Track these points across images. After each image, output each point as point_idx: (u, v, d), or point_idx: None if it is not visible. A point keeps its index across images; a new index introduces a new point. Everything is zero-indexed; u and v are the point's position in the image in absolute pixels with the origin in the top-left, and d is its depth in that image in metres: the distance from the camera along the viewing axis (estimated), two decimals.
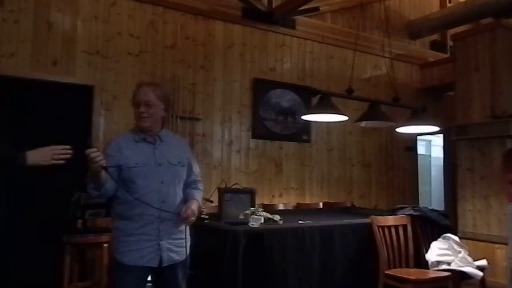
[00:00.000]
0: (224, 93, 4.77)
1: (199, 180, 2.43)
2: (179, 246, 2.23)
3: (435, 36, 6.67)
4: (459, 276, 3.37)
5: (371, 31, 5.94)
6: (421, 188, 6.33)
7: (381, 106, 4.21)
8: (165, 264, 2.16)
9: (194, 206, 2.24)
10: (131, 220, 2.12)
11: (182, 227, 2.26)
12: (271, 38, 5.14)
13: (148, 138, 2.24)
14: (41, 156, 1.92)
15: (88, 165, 1.96)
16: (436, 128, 4.22)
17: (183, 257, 2.26)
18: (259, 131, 4.95)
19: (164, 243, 2.15)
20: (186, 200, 2.28)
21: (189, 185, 2.36)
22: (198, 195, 2.36)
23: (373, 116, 4.16)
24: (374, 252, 3.38)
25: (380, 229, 3.47)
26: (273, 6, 5.04)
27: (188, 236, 2.29)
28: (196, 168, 2.43)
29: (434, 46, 6.65)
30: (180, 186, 2.28)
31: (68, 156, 1.95)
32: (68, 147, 1.95)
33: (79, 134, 4.00)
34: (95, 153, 1.95)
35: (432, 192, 6.92)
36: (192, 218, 2.21)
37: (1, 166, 1.96)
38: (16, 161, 1.90)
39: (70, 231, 3.48)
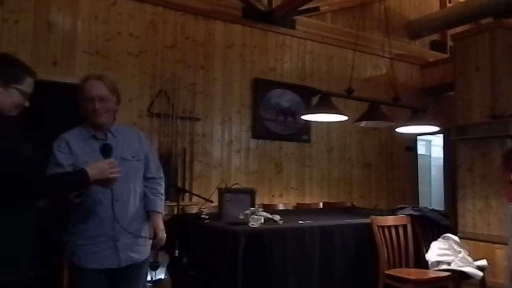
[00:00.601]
0: (224, 93, 4.77)
1: (160, 177, 2.31)
2: (139, 245, 2.14)
3: (435, 36, 6.67)
4: (459, 276, 3.37)
5: (371, 31, 5.95)
6: (421, 188, 6.33)
7: (381, 106, 4.21)
8: (124, 265, 2.07)
9: (160, 224, 2.19)
10: (84, 222, 2.03)
11: (142, 225, 2.17)
12: (271, 38, 5.14)
13: (98, 134, 2.12)
14: (100, 172, 1.80)
15: (103, 175, 1.81)
16: (436, 128, 4.22)
17: (145, 256, 2.18)
18: (259, 131, 4.95)
19: (121, 243, 2.05)
20: (146, 203, 2.20)
21: (147, 181, 2.25)
22: (159, 205, 2.25)
23: (373, 116, 4.17)
24: (374, 252, 3.38)
25: (380, 229, 3.47)
26: (273, 6, 5.04)
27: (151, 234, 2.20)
28: (155, 163, 2.31)
29: (434, 46, 6.65)
30: (137, 182, 2.17)
31: (118, 170, 1.87)
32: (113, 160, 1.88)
33: None
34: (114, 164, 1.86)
35: (432, 192, 6.92)
36: (165, 233, 2.18)
37: (69, 191, 1.88)
38: (81, 182, 1.79)
39: None
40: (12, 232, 1.66)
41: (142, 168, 2.21)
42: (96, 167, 1.81)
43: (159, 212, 2.25)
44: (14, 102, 1.76)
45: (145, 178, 2.24)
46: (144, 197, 2.22)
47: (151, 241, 2.20)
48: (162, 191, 2.31)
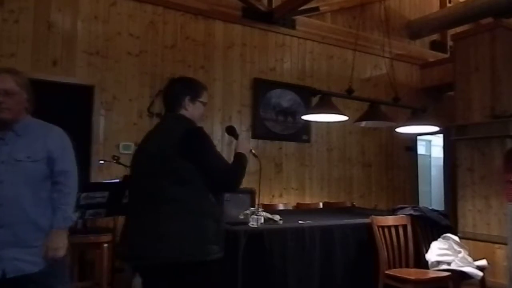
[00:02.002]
0: (224, 93, 4.77)
1: (65, 184, 2.02)
2: (33, 255, 1.90)
3: (435, 36, 6.67)
4: (459, 276, 3.36)
5: (371, 31, 5.95)
6: (421, 188, 6.33)
7: (381, 106, 4.21)
8: (10, 276, 1.85)
9: (52, 242, 1.93)
10: None
11: (38, 234, 1.93)
12: (271, 38, 5.14)
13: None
14: (246, 147, 2.18)
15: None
16: (436, 128, 4.22)
17: (40, 267, 1.91)
18: (259, 131, 4.95)
19: (6, 252, 1.85)
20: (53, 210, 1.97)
21: (53, 187, 2.01)
22: (57, 218, 1.97)
23: (373, 116, 4.16)
24: (374, 252, 3.38)
25: (380, 229, 3.47)
26: (273, 6, 5.04)
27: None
28: (65, 164, 2.03)
29: (434, 46, 6.65)
30: (32, 186, 1.93)
31: None
32: None
33: (79, 134, 4.01)
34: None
35: (432, 192, 6.91)
36: (60, 253, 1.95)
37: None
38: (247, 162, 2.12)
39: (70, 231, 3.47)
40: (219, 215, 2.01)
41: (42, 170, 1.97)
42: (244, 142, 2.16)
43: (57, 229, 1.97)
44: (200, 113, 2.14)
45: (52, 183, 2.01)
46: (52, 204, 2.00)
47: (53, 252, 1.95)
48: (66, 199, 2.01)
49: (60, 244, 1.96)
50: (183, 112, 2.06)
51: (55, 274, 1.97)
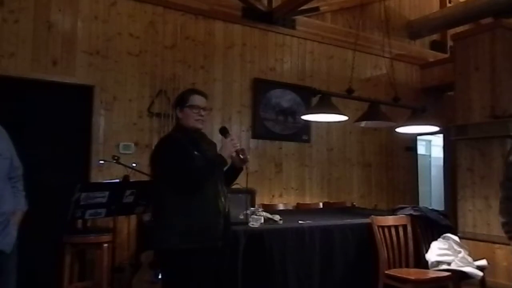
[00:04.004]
0: (224, 93, 4.77)
1: (20, 175, 2.36)
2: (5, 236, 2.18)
3: (435, 36, 6.67)
4: (459, 276, 3.36)
5: (371, 31, 5.94)
6: (421, 188, 6.33)
7: (381, 106, 4.21)
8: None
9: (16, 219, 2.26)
10: None
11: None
12: (271, 38, 5.14)
13: None
14: (228, 149, 2.37)
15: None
16: (436, 128, 4.22)
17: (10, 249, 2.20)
18: (259, 131, 4.95)
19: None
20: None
21: (11, 180, 2.29)
22: (23, 203, 2.34)
23: (373, 116, 4.16)
24: (374, 252, 3.38)
25: (380, 229, 3.47)
26: (273, 6, 5.04)
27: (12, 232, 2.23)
28: (18, 160, 2.35)
29: (434, 46, 6.65)
30: (4, 180, 2.22)
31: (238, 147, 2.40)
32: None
33: (79, 134, 4.02)
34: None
35: (432, 192, 6.92)
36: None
37: (215, 171, 2.35)
38: (221, 163, 2.36)
39: (70, 231, 3.48)
40: (190, 210, 2.24)
41: (7, 166, 2.24)
42: (224, 148, 2.43)
43: (20, 209, 2.32)
44: (190, 115, 2.41)
45: (9, 177, 2.28)
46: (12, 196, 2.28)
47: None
48: (22, 187, 2.38)
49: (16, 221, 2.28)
50: (179, 121, 2.44)
51: (14, 259, 2.24)
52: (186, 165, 2.22)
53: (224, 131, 2.48)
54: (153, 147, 2.73)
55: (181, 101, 2.42)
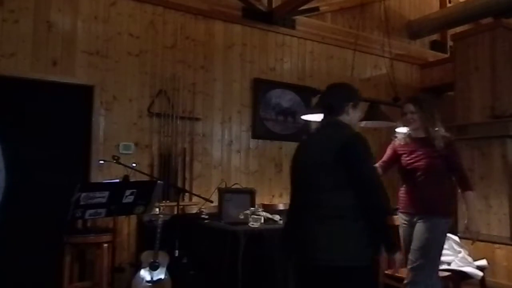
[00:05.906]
0: (224, 93, 4.77)
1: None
2: None
3: (435, 36, 6.67)
4: (459, 276, 3.37)
5: (371, 31, 5.94)
6: None
7: (381, 106, 4.21)
8: None
9: None
10: None
11: None
12: (271, 38, 5.14)
13: None
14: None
15: None
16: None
17: None
18: (259, 131, 4.95)
19: None
20: None
21: None
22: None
23: (373, 116, 4.16)
24: None
25: None
26: (273, 6, 5.04)
27: None
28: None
29: (434, 46, 6.65)
30: None
31: None
32: None
33: (79, 134, 4.02)
34: None
35: None
36: None
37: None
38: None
39: (70, 231, 3.48)
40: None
41: None
42: None
43: None
44: (359, 116, 2.37)
45: None
46: None
47: None
48: None
49: None
50: (344, 117, 2.20)
51: None
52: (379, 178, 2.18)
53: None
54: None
55: (356, 98, 2.30)
